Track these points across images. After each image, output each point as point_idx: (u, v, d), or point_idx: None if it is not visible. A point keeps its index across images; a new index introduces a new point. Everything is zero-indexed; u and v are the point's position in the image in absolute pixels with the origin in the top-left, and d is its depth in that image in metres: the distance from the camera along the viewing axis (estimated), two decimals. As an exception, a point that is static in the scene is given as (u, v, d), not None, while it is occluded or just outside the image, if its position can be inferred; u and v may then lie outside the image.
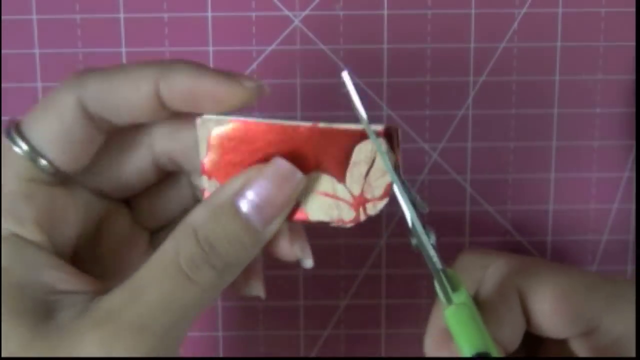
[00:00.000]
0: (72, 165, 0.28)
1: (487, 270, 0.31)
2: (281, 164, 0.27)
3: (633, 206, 0.39)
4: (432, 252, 0.27)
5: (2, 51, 0.38)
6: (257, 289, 0.31)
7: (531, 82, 0.38)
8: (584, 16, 0.38)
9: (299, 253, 0.29)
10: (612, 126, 0.39)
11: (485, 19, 0.38)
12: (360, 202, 0.28)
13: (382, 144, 0.27)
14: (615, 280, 0.31)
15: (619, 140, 0.39)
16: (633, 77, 0.38)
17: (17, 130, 0.27)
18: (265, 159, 0.27)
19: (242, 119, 0.27)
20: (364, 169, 0.27)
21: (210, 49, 0.38)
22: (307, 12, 0.38)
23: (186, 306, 0.26)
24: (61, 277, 0.26)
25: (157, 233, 0.31)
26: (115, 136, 0.29)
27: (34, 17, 0.37)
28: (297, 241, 0.29)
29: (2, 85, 0.38)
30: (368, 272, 0.39)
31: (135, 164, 0.30)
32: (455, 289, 0.27)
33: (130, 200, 0.31)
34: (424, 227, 0.27)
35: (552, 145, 0.39)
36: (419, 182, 0.39)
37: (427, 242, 0.27)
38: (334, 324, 0.40)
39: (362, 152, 0.27)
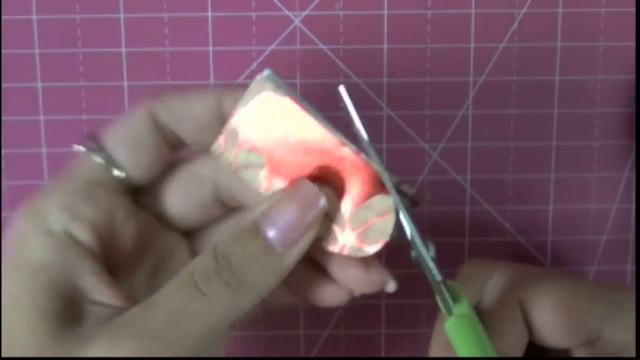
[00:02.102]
0: (141, 174, 0.28)
1: (488, 281, 0.31)
2: (307, 188, 0.27)
3: (633, 206, 0.39)
4: (432, 265, 0.27)
5: (2, 51, 0.38)
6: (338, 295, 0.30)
7: (531, 82, 0.38)
8: (584, 16, 0.38)
9: (378, 276, 0.29)
10: (612, 126, 0.39)
11: (485, 19, 0.38)
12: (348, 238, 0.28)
13: (406, 202, 0.27)
14: (617, 289, 0.31)
15: (619, 140, 0.39)
16: (633, 77, 0.38)
17: (93, 138, 0.28)
18: (293, 152, 0.27)
19: (299, 103, 0.27)
20: (370, 216, 0.27)
21: (210, 49, 0.38)
22: (307, 12, 0.38)
23: (196, 320, 0.25)
24: (98, 287, 0.26)
25: None
26: (182, 169, 0.29)
27: (34, 17, 0.37)
28: (373, 267, 0.29)
29: (2, 85, 0.38)
30: (368, 272, 0.39)
31: (198, 198, 0.30)
32: (456, 300, 0.27)
33: (193, 235, 0.31)
34: (422, 240, 0.27)
35: (552, 145, 0.39)
36: (419, 182, 0.39)
37: (427, 255, 0.27)
38: (334, 324, 0.40)
39: (379, 202, 0.27)
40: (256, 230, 0.26)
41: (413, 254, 0.27)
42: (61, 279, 0.26)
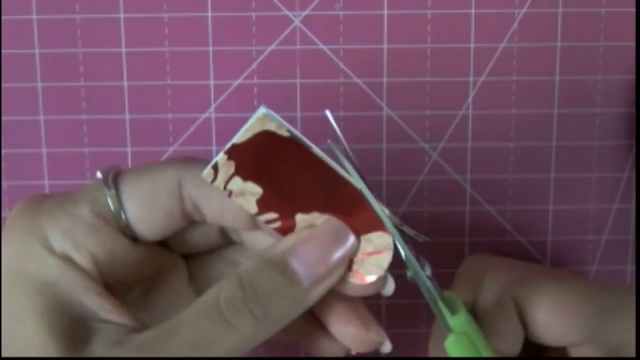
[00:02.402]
0: (147, 234, 0.28)
1: (484, 280, 0.31)
2: (336, 226, 0.27)
3: (633, 206, 0.39)
4: (429, 284, 0.27)
5: (2, 51, 0.38)
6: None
7: (531, 82, 0.38)
8: (584, 16, 0.38)
9: (377, 337, 0.29)
10: (612, 126, 0.39)
11: (485, 19, 0.38)
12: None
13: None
14: (612, 290, 0.31)
15: (619, 140, 0.39)
16: (633, 77, 0.38)
17: (114, 178, 0.27)
18: (291, 183, 0.27)
19: (299, 138, 0.26)
20: (368, 249, 0.27)
21: (210, 49, 0.38)
22: (307, 12, 0.38)
23: (220, 349, 0.25)
24: (104, 306, 0.26)
25: None
26: (146, 176, 0.28)
27: (34, 17, 0.37)
28: (372, 327, 0.29)
29: (2, 85, 0.38)
30: (368, 272, 0.39)
31: (204, 230, 0.30)
32: (454, 311, 0.27)
33: (191, 258, 0.31)
34: (418, 259, 0.27)
35: (552, 145, 0.39)
36: (419, 182, 0.39)
37: (424, 275, 0.27)
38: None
39: (379, 239, 0.27)
40: (284, 263, 0.26)
41: (409, 274, 0.27)
42: (66, 297, 0.25)
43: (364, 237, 0.27)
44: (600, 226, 0.40)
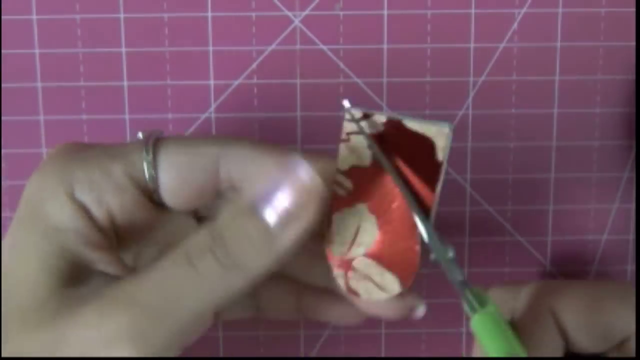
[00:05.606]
0: (174, 205, 0.28)
1: (519, 295, 0.31)
2: (303, 171, 0.26)
3: (633, 206, 0.39)
4: (453, 266, 0.27)
5: (2, 51, 0.38)
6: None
7: (531, 82, 0.38)
8: (584, 16, 0.38)
9: (414, 301, 0.29)
10: (612, 126, 0.39)
11: (485, 19, 0.38)
12: (344, 264, 0.28)
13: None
14: None
15: (619, 140, 0.39)
16: (633, 77, 0.38)
17: (155, 144, 0.28)
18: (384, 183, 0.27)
19: (440, 171, 0.27)
20: (375, 278, 0.28)
21: (210, 49, 0.38)
22: (307, 12, 0.38)
23: (186, 293, 0.25)
24: (106, 260, 0.27)
25: None
26: (185, 150, 0.29)
27: (34, 17, 0.37)
28: (406, 293, 0.28)
29: (2, 85, 0.38)
30: (368, 272, 0.39)
31: (197, 185, 0.29)
32: (483, 304, 0.27)
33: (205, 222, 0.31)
34: (441, 242, 0.27)
35: (552, 145, 0.39)
36: (419, 182, 0.39)
37: (447, 257, 0.27)
38: (333, 324, 0.40)
39: (390, 282, 0.28)
40: (252, 209, 0.26)
41: (432, 256, 0.27)
42: (72, 245, 0.26)
43: (381, 271, 0.28)
44: (600, 226, 0.40)
